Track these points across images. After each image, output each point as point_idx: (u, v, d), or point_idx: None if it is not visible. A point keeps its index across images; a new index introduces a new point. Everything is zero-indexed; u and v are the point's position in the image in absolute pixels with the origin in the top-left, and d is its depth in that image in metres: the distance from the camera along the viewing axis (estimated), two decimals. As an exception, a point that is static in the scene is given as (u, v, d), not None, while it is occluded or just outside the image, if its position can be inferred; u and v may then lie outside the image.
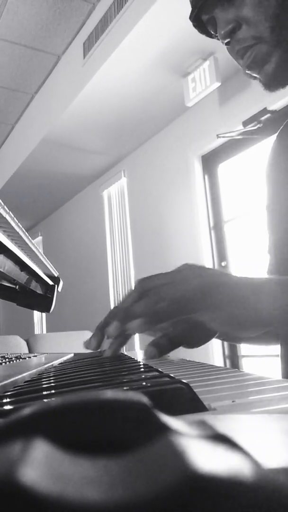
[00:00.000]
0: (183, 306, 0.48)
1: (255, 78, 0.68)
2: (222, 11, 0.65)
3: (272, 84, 0.66)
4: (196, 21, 0.70)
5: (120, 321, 0.50)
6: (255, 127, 2.76)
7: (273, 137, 0.79)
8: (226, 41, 0.65)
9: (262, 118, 2.72)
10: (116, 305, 0.54)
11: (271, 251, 0.76)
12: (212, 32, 0.70)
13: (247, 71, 0.67)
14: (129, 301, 0.51)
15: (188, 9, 0.71)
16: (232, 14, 0.63)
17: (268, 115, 2.69)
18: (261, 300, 0.49)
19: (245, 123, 2.82)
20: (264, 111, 2.71)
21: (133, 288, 0.53)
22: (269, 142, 2.75)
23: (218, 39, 0.70)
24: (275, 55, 0.63)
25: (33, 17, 2.92)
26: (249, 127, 2.79)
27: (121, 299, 0.54)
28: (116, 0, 2.65)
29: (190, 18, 0.70)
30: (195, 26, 0.71)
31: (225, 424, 0.16)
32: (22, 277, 0.87)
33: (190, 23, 0.72)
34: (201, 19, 0.69)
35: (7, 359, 0.78)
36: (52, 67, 3.47)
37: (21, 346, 3.43)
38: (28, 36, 3.08)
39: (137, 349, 3.49)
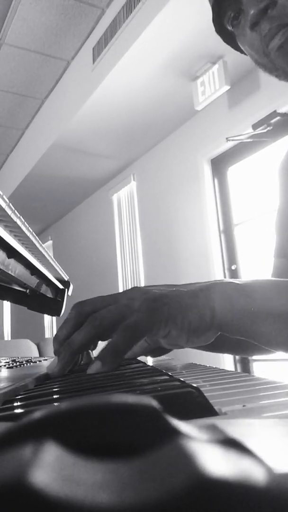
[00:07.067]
0: (133, 330, 0.43)
1: (273, 69, 0.61)
2: None
3: None
4: (216, 2, 0.62)
5: (63, 357, 0.44)
6: (265, 130, 2.76)
7: None
8: (254, 21, 0.57)
9: (272, 121, 2.71)
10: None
11: (278, 254, 0.73)
12: (230, 20, 0.62)
13: (275, 54, 0.59)
14: (67, 330, 0.46)
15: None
16: None
17: (278, 117, 2.68)
18: (215, 303, 0.45)
19: (254, 126, 2.81)
20: (274, 113, 2.70)
21: (69, 314, 0.47)
22: (281, 143, 2.73)
23: (230, 29, 0.62)
24: None
25: (43, 23, 2.95)
26: (259, 130, 2.78)
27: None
28: (125, 6, 2.66)
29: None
30: (213, 9, 0.63)
31: (236, 428, 0.16)
32: (33, 281, 0.88)
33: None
34: (223, 2, 0.62)
35: (18, 363, 0.79)
36: (61, 73, 3.50)
37: (32, 350, 3.44)
38: (38, 42, 3.11)
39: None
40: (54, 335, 0.48)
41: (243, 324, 0.45)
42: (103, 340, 0.46)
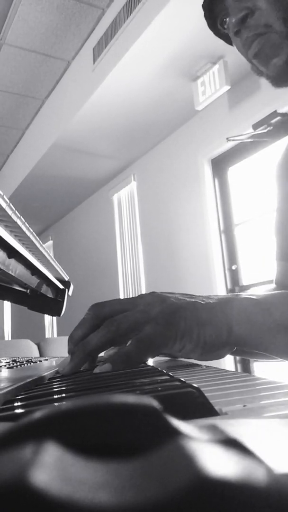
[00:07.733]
0: (148, 344, 0.43)
1: (261, 73, 0.65)
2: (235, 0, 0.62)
3: (280, 79, 0.64)
4: (208, 10, 0.66)
5: (76, 357, 0.45)
6: (265, 130, 2.75)
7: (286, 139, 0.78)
8: (236, 29, 0.62)
9: (272, 121, 2.71)
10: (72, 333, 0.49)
11: (280, 257, 0.72)
12: (222, 24, 0.66)
13: (253, 61, 0.63)
14: (83, 331, 0.46)
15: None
16: (245, 2, 0.61)
17: (278, 117, 2.68)
18: (233, 319, 0.45)
19: (255, 126, 2.81)
20: (274, 113, 2.70)
21: (86, 314, 0.48)
22: (280, 144, 2.74)
23: (225, 31, 0.67)
24: (286, 48, 0.60)
25: (43, 24, 2.95)
26: (259, 130, 2.78)
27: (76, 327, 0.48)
28: (125, 6, 2.66)
29: (202, 5, 0.67)
30: (205, 16, 0.68)
31: (236, 428, 0.16)
32: (33, 281, 0.88)
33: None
34: (213, 9, 0.66)
35: (18, 363, 0.79)
36: (62, 73, 3.50)
37: (32, 350, 3.44)
38: (38, 42, 3.11)
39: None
40: (69, 335, 0.48)
41: (261, 339, 0.45)
42: (116, 345, 0.46)
